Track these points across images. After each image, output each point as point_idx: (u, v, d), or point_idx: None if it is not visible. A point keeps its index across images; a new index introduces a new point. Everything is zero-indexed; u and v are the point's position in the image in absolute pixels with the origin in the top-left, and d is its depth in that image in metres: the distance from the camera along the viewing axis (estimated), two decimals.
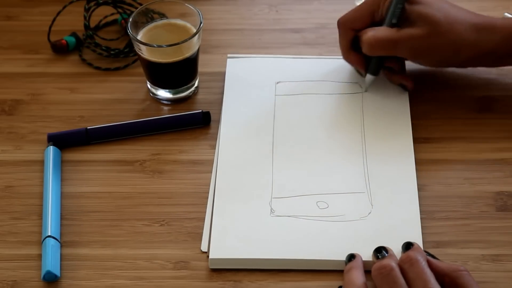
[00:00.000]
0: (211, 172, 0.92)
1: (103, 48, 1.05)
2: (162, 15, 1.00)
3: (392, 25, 0.93)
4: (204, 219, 0.88)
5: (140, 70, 1.00)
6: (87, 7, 1.05)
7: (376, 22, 0.95)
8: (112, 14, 1.09)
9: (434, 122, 0.96)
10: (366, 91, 0.98)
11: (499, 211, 0.88)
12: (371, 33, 0.93)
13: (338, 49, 0.98)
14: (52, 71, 1.04)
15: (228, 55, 1.03)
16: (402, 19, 0.93)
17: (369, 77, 0.96)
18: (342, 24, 0.96)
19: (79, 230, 0.88)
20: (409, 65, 0.99)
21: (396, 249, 0.83)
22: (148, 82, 1.00)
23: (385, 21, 0.93)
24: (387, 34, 0.93)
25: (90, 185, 0.92)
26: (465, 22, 0.92)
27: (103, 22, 1.09)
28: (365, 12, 0.95)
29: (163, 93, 1.00)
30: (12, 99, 1.01)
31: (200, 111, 0.97)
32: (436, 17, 0.91)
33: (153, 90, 1.00)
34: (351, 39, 0.96)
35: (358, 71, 0.99)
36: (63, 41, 1.05)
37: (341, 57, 0.99)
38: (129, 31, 0.96)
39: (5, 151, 0.96)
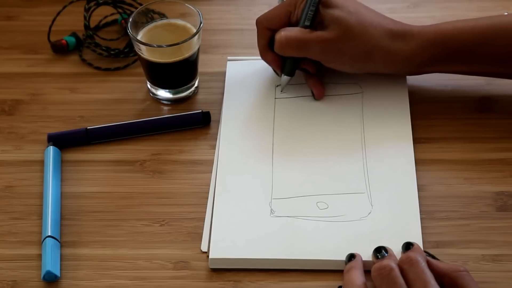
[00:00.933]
0: (211, 172, 0.92)
1: (103, 48, 1.05)
2: (162, 15, 1.00)
3: (305, 27, 0.93)
4: (204, 219, 0.88)
5: (140, 70, 1.00)
6: (87, 7, 1.05)
7: (292, 24, 0.95)
8: (112, 14, 1.09)
9: (434, 122, 0.96)
10: (282, 91, 0.98)
11: (499, 211, 0.88)
12: (283, 33, 0.93)
13: None
14: (52, 71, 1.04)
15: (228, 57, 1.03)
16: (317, 22, 0.93)
17: (284, 77, 0.96)
18: (259, 23, 0.96)
19: (79, 230, 0.88)
20: None
21: (396, 249, 0.83)
22: (148, 82, 1.00)
23: (299, 23, 0.93)
24: (298, 34, 0.93)
25: (90, 185, 0.92)
26: (379, 26, 0.92)
27: (103, 22, 1.09)
28: (282, 13, 0.95)
29: (163, 93, 1.00)
30: (12, 99, 1.01)
31: (200, 111, 0.97)
32: (349, 21, 0.91)
33: (153, 90, 1.00)
34: (268, 38, 0.96)
35: (275, 71, 0.98)
36: (63, 41, 1.05)
37: None
38: (129, 31, 0.96)
39: (5, 151, 0.96)
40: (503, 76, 0.95)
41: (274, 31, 0.95)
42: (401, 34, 0.92)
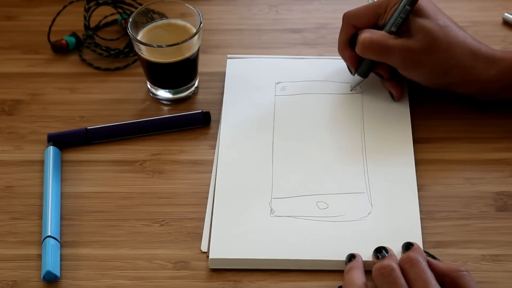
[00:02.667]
0: (211, 172, 0.92)
1: (103, 48, 1.05)
2: (162, 15, 1.00)
3: (391, 33, 0.92)
4: (204, 219, 0.88)
5: (140, 70, 1.00)
6: (87, 7, 1.05)
7: (379, 26, 0.94)
8: (112, 14, 1.09)
9: (434, 122, 0.96)
10: (351, 90, 0.98)
11: (499, 211, 0.88)
12: (368, 34, 0.92)
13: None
14: (52, 71, 1.04)
15: (228, 55, 1.03)
16: (404, 30, 0.92)
17: (357, 77, 0.96)
18: (346, 17, 0.95)
19: (79, 230, 0.88)
20: None
21: (396, 249, 0.83)
22: (148, 82, 1.00)
23: (385, 26, 0.93)
24: (382, 39, 0.92)
25: (90, 185, 0.92)
26: (464, 45, 0.91)
27: (103, 22, 1.09)
28: (371, 12, 0.94)
29: (163, 93, 1.00)
30: (12, 99, 1.01)
31: (200, 111, 0.97)
32: (436, 34, 0.90)
33: (153, 90, 1.00)
34: (351, 34, 0.95)
35: (348, 69, 0.98)
36: (63, 41, 1.05)
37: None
38: (129, 31, 0.96)
39: (5, 151, 0.96)
40: None
41: (358, 29, 0.94)
42: (484, 57, 0.91)
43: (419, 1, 0.92)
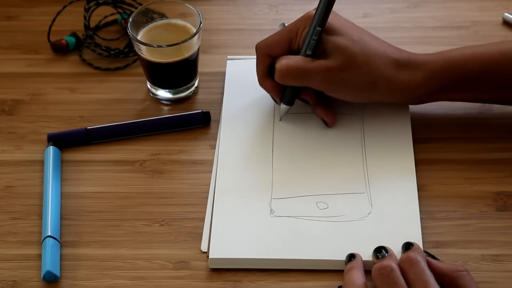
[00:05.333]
0: (211, 172, 0.92)
1: (103, 48, 1.05)
2: (162, 15, 1.00)
3: (307, 56, 0.90)
4: (204, 219, 0.88)
5: (140, 70, 1.01)
6: (87, 7, 1.05)
7: (294, 51, 0.91)
8: (112, 14, 1.09)
9: (434, 122, 0.96)
10: (280, 120, 0.96)
11: (499, 211, 0.88)
12: (284, 61, 0.90)
13: None
14: (52, 71, 1.04)
15: (228, 56, 1.03)
16: (320, 50, 0.90)
17: (283, 106, 0.94)
18: (259, 49, 0.93)
19: (79, 230, 0.88)
20: None
21: (396, 249, 0.83)
22: (148, 82, 1.01)
23: (301, 50, 0.90)
24: (299, 63, 0.89)
25: (90, 185, 0.92)
26: (384, 55, 0.89)
27: (103, 22, 1.09)
28: (283, 39, 0.92)
29: (163, 93, 1.00)
30: (12, 99, 1.01)
31: (200, 111, 0.97)
32: (352, 49, 0.88)
33: (153, 90, 1.00)
34: (268, 65, 0.93)
35: (273, 99, 0.96)
36: (63, 41, 1.05)
37: None
38: (129, 31, 0.96)
39: (5, 151, 0.96)
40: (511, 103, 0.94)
41: (274, 57, 0.92)
42: (407, 64, 0.89)
43: (329, 20, 0.90)
